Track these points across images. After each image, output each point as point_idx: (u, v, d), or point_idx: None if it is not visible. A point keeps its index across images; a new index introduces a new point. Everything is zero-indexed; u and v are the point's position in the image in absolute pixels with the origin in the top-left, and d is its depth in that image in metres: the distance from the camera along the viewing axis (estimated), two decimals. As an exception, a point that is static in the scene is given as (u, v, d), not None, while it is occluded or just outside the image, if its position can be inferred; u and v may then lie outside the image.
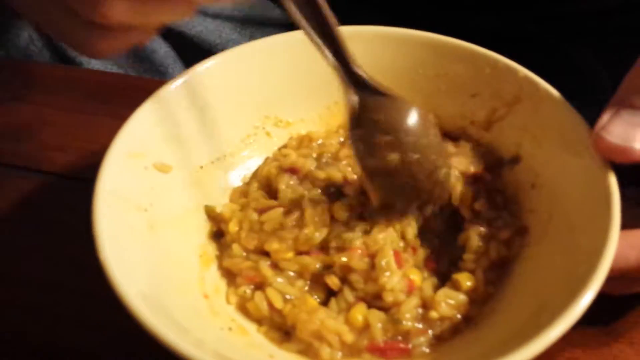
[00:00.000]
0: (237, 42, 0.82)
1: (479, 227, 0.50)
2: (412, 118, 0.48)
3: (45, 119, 0.69)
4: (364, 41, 0.57)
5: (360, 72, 0.48)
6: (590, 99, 0.50)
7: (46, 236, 0.58)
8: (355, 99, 0.48)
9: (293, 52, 0.57)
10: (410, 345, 0.45)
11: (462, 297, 0.47)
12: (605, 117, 0.44)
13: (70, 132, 0.68)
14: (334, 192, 0.52)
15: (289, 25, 0.86)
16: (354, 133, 0.49)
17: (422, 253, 0.50)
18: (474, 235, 0.49)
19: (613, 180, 0.44)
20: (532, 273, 0.46)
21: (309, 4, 0.45)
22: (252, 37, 0.84)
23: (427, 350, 0.45)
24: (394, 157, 0.47)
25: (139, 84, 0.74)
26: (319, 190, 0.52)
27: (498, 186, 0.52)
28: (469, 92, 0.56)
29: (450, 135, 0.57)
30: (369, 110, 0.48)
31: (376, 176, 0.48)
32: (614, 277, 0.41)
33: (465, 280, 0.47)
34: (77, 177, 0.62)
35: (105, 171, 0.46)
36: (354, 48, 0.57)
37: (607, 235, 0.41)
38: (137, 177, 0.48)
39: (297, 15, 0.45)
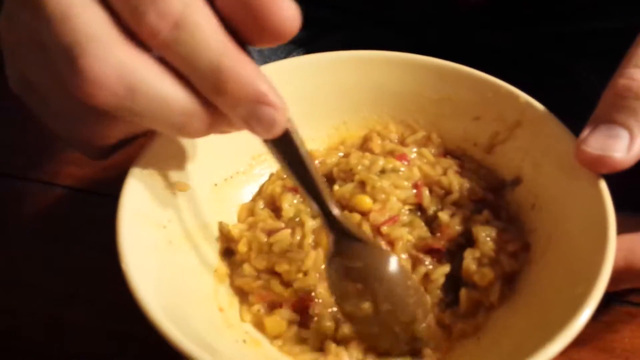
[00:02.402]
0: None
1: (490, 232, 0.51)
2: (387, 267, 0.48)
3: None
4: (372, 65, 0.59)
5: (339, 216, 0.48)
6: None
7: (63, 248, 0.60)
8: (331, 239, 0.48)
9: (304, 74, 0.59)
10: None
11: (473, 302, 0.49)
12: (585, 132, 0.48)
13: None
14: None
15: (298, 41, 0.89)
16: (329, 274, 0.49)
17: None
18: (484, 239, 0.51)
19: (609, 203, 0.46)
20: (533, 290, 0.48)
21: (290, 151, 0.45)
22: (260, 51, 0.85)
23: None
24: (366, 305, 0.47)
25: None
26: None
27: (501, 205, 0.55)
28: (472, 115, 0.58)
29: (454, 154, 0.59)
30: (343, 256, 0.48)
31: (354, 322, 0.48)
32: None
33: (485, 281, 0.50)
34: (92, 191, 0.64)
35: (127, 191, 0.48)
36: (362, 71, 0.60)
37: (604, 256, 0.43)
38: (156, 195, 0.50)
39: (281, 161, 0.46)
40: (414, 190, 0.55)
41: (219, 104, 0.40)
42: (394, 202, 0.54)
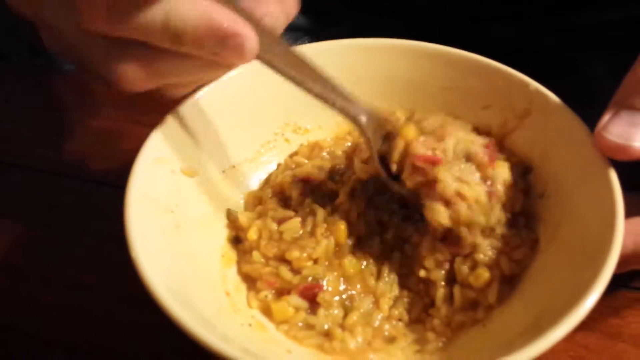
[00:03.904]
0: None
1: (497, 244, 0.50)
2: None
3: (70, 126, 0.71)
4: (382, 53, 0.59)
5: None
6: (598, 108, 0.52)
7: (76, 239, 0.60)
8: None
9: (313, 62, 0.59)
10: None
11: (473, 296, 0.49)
12: (605, 118, 0.47)
13: (94, 139, 0.70)
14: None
15: (307, 30, 0.89)
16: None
17: None
18: (485, 250, 0.50)
19: (618, 189, 0.46)
20: (540, 277, 0.48)
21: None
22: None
23: (441, 345, 0.47)
24: None
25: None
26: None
27: (530, 212, 0.52)
28: (481, 104, 0.57)
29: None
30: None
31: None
32: None
33: (479, 282, 0.49)
34: (104, 182, 0.65)
35: (135, 175, 0.48)
36: (371, 59, 0.60)
37: (612, 241, 0.43)
38: (164, 180, 0.50)
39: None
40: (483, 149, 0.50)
41: (186, 50, 0.42)
42: (448, 144, 0.50)
